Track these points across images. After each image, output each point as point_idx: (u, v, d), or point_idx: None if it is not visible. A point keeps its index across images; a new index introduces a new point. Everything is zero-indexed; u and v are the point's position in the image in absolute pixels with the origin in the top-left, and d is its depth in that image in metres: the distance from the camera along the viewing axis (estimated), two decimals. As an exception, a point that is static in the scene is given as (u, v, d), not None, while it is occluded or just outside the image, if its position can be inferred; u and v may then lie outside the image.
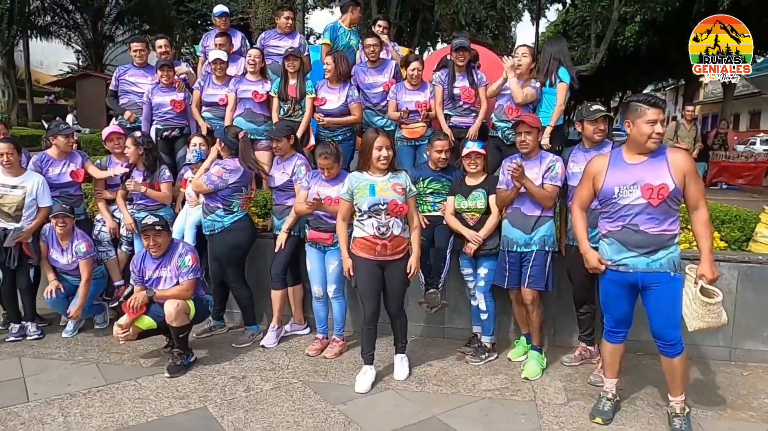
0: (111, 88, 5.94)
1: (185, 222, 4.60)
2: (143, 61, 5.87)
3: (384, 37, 5.76)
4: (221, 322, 4.72)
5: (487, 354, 4.15)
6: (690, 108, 11.03)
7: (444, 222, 4.16)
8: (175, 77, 5.60)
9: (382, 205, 3.54)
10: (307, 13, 23.04)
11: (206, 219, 4.31)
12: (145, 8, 26.27)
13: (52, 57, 31.22)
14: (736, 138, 29.87)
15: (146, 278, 3.95)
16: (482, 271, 4.07)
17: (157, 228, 3.82)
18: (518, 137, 3.93)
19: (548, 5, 16.15)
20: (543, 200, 3.81)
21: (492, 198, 3.98)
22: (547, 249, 3.88)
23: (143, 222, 3.88)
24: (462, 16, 10.77)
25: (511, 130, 4.47)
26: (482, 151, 4.05)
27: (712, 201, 4.61)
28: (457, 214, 4.11)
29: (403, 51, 6.04)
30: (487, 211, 4.04)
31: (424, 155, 4.70)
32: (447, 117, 5.15)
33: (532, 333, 4.07)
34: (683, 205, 3.14)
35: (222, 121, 5.38)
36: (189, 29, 27.91)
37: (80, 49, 28.62)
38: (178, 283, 3.90)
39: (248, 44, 6.41)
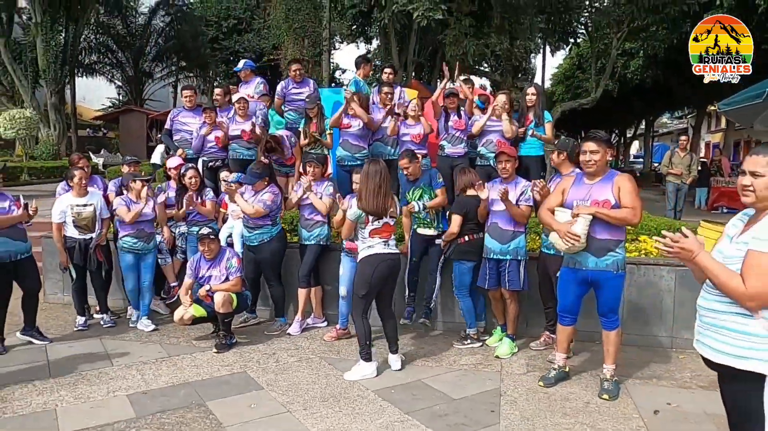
0: (166, 127, 7.20)
1: (233, 234, 5.82)
2: (192, 105, 7.12)
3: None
4: (254, 315, 5.80)
5: (470, 340, 5.13)
6: (683, 137, 11.87)
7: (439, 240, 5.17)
8: (218, 119, 6.81)
9: None
10: (334, 49, 24.62)
11: (254, 234, 5.36)
12: (182, 47, 28.23)
13: (95, 92, 33.36)
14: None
15: (200, 275, 5.07)
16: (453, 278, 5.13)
17: (211, 236, 5.00)
18: (499, 164, 4.97)
19: (562, 44, 17.17)
20: (519, 217, 4.81)
21: (455, 217, 5.01)
22: (519, 258, 4.86)
23: (200, 232, 5.05)
24: (470, 57, 11.89)
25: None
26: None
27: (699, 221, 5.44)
28: None
29: (409, 95, 7.16)
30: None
31: None
32: (442, 147, 6.32)
33: (508, 323, 5.05)
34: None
35: (246, 150, 6.65)
36: (222, 65, 29.80)
37: (121, 84, 30.80)
38: (227, 279, 5.02)
39: (266, 86, 7.70)
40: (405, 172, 5.38)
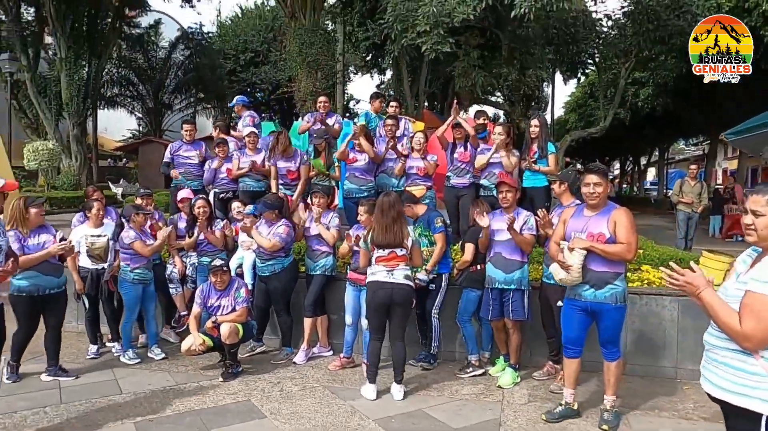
0: (165, 160, 7.43)
1: (244, 266, 5.94)
2: (191, 138, 7.36)
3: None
4: (261, 343, 5.89)
5: (472, 368, 5.16)
6: (693, 166, 11.79)
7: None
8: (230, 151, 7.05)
9: None
10: (348, 80, 25.09)
11: (267, 265, 5.51)
12: (200, 80, 28.95)
13: (116, 124, 34.26)
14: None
15: (209, 305, 5.20)
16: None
17: (224, 269, 5.17)
18: (500, 194, 5.08)
19: (570, 74, 17.37)
20: (524, 246, 4.90)
21: (468, 245, 5.10)
22: (522, 288, 4.94)
23: (213, 264, 5.23)
24: (479, 89, 12.09)
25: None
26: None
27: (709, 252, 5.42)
28: None
29: (415, 129, 7.32)
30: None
31: None
32: (448, 178, 6.46)
33: (510, 353, 5.09)
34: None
35: (255, 182, 6.83)
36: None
37: (141, 116, 31.61)
38: (234, 309, 5.14)
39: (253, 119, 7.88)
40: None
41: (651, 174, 46.47)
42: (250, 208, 6.03)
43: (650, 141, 27.83)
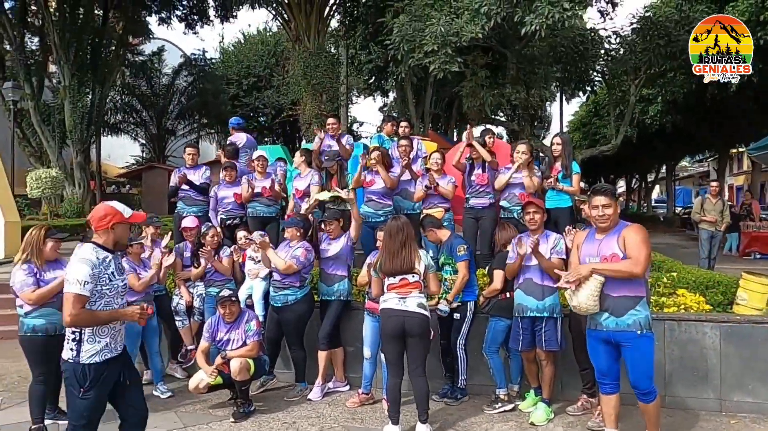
0: (171, 184, 7.17)
1: (254, 296, 5.58)
2: (194, 163, 7.13)
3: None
4: (272, 377, 5.55)
5: (500, 403, 4.82)
6: (714, 183, 11.46)
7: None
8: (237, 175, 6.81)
9: None
10: (351, 103, 25.07)
11: (280, 294, 5.19)
12: (204, 105, 28.95)
13: (119, 150, 34.19)
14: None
15: (217, 338, 4.88)
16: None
17: (233, 299, 4.86)
18: (527, 215, 4.77)
19: (577, 92, 17.25)
20: (552, 271, 4.58)
21: (497, 272, 4.80)
22: (555, 316, 4.62)
23: (221, 294, 4.90)
24: (487, 108, 11.91)
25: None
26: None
27: (733, 269, 5.13)
28: None
29: (428, 148, 7.07)
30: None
31: None
32: (467, 199, 6.18)
33: (543, 386, 4.74)
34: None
35: (266, 207, 6.60)
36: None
37: (145, 142, 31.57)
38: (245, 344, 4.81)
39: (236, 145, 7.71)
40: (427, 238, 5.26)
41: (655, 191, 46.23)
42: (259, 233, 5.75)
43: (658, 157, 27.62)
